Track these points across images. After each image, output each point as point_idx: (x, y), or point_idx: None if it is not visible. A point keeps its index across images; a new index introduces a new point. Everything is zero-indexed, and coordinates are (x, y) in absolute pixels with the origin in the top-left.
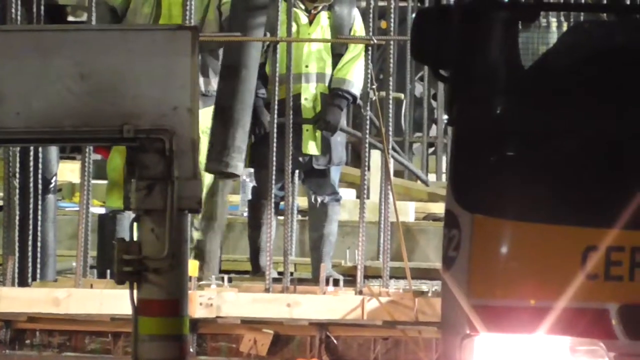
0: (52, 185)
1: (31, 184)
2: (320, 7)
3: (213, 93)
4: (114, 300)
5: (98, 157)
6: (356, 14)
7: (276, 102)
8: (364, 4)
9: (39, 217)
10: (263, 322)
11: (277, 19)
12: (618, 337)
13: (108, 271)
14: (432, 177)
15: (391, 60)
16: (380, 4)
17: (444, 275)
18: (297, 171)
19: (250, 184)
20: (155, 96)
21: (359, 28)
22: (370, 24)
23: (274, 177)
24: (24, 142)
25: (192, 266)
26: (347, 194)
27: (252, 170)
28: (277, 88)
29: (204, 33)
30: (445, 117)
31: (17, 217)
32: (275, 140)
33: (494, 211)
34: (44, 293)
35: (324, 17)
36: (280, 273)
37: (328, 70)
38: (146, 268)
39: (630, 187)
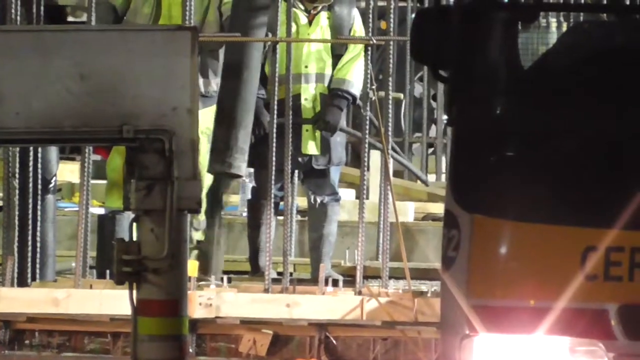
0: (51, 186)
1: (31, 184)
2: (319, 8)
3: (213, 94)
4: (114, 301)
5: (97, 157)
6: (356, 14)
7: (276, 103)
8: (363, 4)
9: (39, 218)
10: (262, 322)
11: (276, 19)
12: (617, 338)
13: (107, 271)
14: (431, 178)
15: (391, 61)
16: (380, 4)
17: (444, 275)
18: (296, 171)
19: (250, 184)
20: (155, 96)
21: (358, 28)
22: (370, 24)
23: (273, 177)
24: (23, 142)
25: (192, 266)
26: (347, 194)
27: (251, 170)
28: (276, 88)
29: (203, 34)
30: (445, 117)
31: (17, 218)
32: (274, 140)
33: (494, 211)
34: (44, 293)
35: (323, 18)
36: (279, 273)
37: (328, 71)
38: (145, 268)
39: (629, 188)
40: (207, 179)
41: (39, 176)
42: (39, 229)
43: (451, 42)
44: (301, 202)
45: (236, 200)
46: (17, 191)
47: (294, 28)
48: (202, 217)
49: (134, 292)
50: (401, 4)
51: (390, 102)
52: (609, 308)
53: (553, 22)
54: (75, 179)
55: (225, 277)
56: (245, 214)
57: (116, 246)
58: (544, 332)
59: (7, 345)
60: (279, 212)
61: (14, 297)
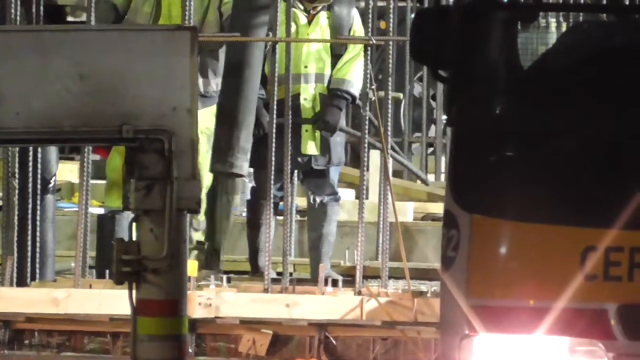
0: (51, 186)
1: (30, 184)
2: (319, 8)
3: (212, 94)
4: (113, 301)
5: (97, 157)
6: (355, 14)
7: (275, 103)
8: (363, 4)
9: (38, 217)
10: (262, 322)
11: (276, 19)
12: (617, 338)
13: (107, 271)
14: (431, 178)
15: (390, 61)
16: (380, 4)
17: (443, 275)
18: (296, 171)
19: (250, 184)
20: (155, 96)
21: (358, 28)
22: (370, 24)
23: (272, 177)
24: (23, 142)
25: (191, 266)
26: (346, 194)
27: (251, 170)
28: (276, 88)
29: (203, 34)
30: (444, 117)
31: (16, 217)
32: (274, 140)
33: (493, 211)
34: (43, 293)
35: (323, 18)
36: (279, 273)
37: (327, 71)
38: (145, 268)
39: (629, 188)
40: (206, 179)
41: (39, 176)
42: (38, 228)
43: (451, 42)
44: (301, 202)
45: (236, 200)
46: (16, 191)
47: (293, 28)
48: (201, 217)
49: (134, 292)
50: (401, 3)
51: (389, 102)
52: (609, 308)
53: (552, 22)
54: (75, 179)
55: (224, 277)
56: (244, 214)
57: (116, 246)
58: (543, 332)
59: (7, 345)
60: (278, 212)
61: (13, 296)
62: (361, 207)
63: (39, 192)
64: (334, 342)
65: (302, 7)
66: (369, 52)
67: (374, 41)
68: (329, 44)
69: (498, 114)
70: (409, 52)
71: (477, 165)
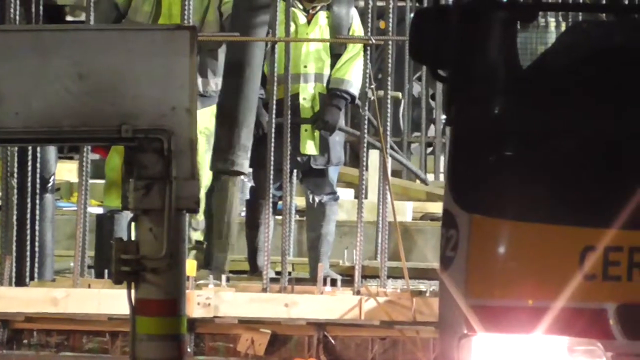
0: (50, 185)
1: (29, 184)
2: (318, 7)
3: (212, 93)
4: (112, 300)
5: (96, 156)
6: (354, 13)
7: (274, 102)
8: (362, 3)
9: (37, 217)
10: (260, 321)
11: (275, 18)
12: (616, 337)
13: (106, 271)
14: (430, 177)
15: (389, 60)
16: (379, 3)
17: (442, 275)
18: (295, 171)
19: (249, 183)
20: (154, 96)
21: (357, 28)
22: (369, 24)
23: (272, 177)
24: (22, 142)
25: (190, 266)
26: (345, 194)
27: (250, 170)
28: (275, 88)
29: (203, 33)
30: (444, 117)
31: (15, 217)
32: (273, 140)
33: (492, 211)
34: (42, 293)
35: (322, 17)
36: (278, 273)
37: (326, 71)
38: (144, 268)
39: (628, 187)
40: (205, 179)
41: (38, 175)
42: (37, 228)
43: (450, 41)
44: (300, 201)
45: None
46: (15, 190)
47: (292, 28)
48: (200, 217)
49: (133, 291)
50: (400, 3)
51: (388, 101)
52: (608, 308)
53: (552, 21)
54: (74, 179)
55: (223, 277)
56: (243, 214)
57: (115, 246)
58: (542, 332)
59: (6, 344)
60: (277, 211)
61: (12, 296)
62: (360, 206)
63: (38, 191)
64: (332, 341)
65: (301, 7)
66: (368, 52)
67: (374, 41)
68: (328, 43)
69: (497, 113)
70: (408, 51)
71: (477, 165)
